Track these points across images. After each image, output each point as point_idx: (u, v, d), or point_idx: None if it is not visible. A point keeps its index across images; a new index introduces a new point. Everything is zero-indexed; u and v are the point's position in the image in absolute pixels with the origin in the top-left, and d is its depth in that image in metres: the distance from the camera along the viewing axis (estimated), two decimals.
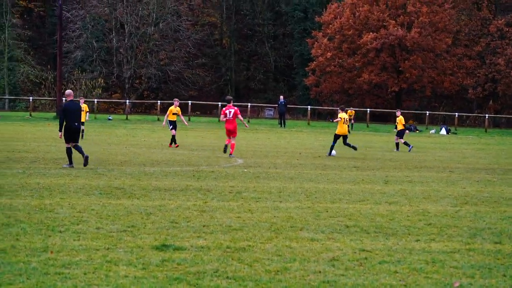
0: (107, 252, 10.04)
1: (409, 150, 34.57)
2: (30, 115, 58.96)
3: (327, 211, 14.34)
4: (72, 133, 21.42)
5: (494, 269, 9.95)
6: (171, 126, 32.76)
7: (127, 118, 61.56)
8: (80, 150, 21.42)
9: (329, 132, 47.18)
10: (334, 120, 36.47)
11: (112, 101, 75.76)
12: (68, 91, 22.26)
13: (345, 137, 30.06)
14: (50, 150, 27.63)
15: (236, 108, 28.29)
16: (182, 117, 34.19)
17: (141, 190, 16.70)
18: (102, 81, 74.07)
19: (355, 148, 30.25)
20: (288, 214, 13.88)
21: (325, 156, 29.62)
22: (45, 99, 71.24)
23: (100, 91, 73.72)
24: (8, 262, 9.23)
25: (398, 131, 35.43)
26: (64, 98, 29.61)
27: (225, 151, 27.89)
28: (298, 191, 17.46)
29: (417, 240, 11.69)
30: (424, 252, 10.82)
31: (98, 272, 8.93)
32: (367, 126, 62.97)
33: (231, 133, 28.11)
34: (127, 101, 68.66)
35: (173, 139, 32.40)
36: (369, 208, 14.97)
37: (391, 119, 69.75)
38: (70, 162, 21.45)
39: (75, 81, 73.52)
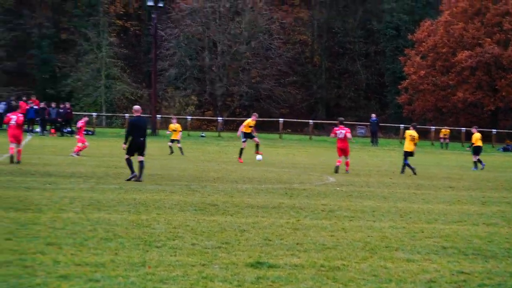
0: (202, 268, 10.14)
1: (482, 168, 34.27)
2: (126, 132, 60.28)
3: (422, 232, 14.09)
4: (136, 146, 22.27)
5: None
6: (244, 139, 33.14)
7: (219, 135, 62.22)
8: (140, 167, 22.09)
9: (423, 151, 46.46)
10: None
11: (204, 119, 76.79)
12: (136, 107, 23.20)
13: (408, 154, 29.71)
14: (146, 166, 28.11)
15: (347, 128, 29.34)
16: (255, 133, 34.47)
17: (234, 207, 16.82)
18: (195, 98, 75.17)
19: (413, 171, 29.53)
20: (383, 233, 13.72)
21: (403, 175, 29.17)
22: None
23: (193, 109, 74.82)
24: (107, 276, 9.44)
25: (474, 147, 34.73)
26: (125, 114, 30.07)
27: (336, 171, 28.50)
28: (392, 211, 17.24)
29: None
30: None
31: None
32: (462, 146, 61.65)
33: (343, 152, 29.16)
34: (220, 118, 69.44)
35: (241, 152, 32.87)
36: (466, 230, 14.63)
37: (487, 138, 68.09)
38: (132, 172, 22.10)
39: (169, 99, 74.91)
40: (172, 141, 37.47)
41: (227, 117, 75.31)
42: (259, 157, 33.56)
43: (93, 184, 20.53)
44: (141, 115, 23.40)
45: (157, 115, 62.01)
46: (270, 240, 12.51)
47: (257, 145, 33.74)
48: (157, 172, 25.73)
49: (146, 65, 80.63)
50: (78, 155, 32.05)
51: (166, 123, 70.54)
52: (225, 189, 20.85)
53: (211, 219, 14.65)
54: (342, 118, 30.94)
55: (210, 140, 56.67)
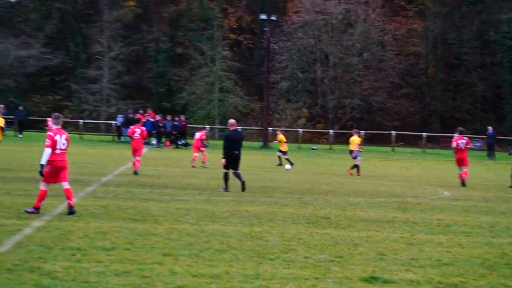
0: (316, 282, 10.13)
1: None
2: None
3: None
4: (231, 160, 22.68)
5: None
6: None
7: (330, 148, 62.05)
8: (238, 176, 22.68)
9: None
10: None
11: (315, 131, 76.78)
12: (231, 121, 23.71)
13: None
14: (258, 178, 28.42)
15: (467, 138, 29.45)
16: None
17: (347, 220, 16.73)
18: (306, 111, 75.30)
19: None
20: (502, 250, 13.31)
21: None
22: (251, 129, 73.55)
23: (304, 121, 74.94)
24: (222, 287, 9.57)
25: None
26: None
27: (463, 184, 28.47)
28: (511, 227, 16.69)
29: None
30: None
31: None
32: None
33: (462, 162, 29.36)
34: (331, 131, 69.27)
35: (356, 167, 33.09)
36: None
37: None
38: (226, 187, 22.55)
39: (280, 111, 75.33)
40: (283, 152, 37.21)
41: (338, 129, 74.99)
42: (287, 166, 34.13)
43: (207, 196, 20.88)
44: (237, 128, 23.94)
45: (269, 128, 62.46)
46: (384, 255, 12.37)
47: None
48: (269, 184, 25.92)
49: (258, 78, 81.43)
50: (204, 166, 33.13)
51: (275, 136, 71.08)
52: (337, 202, 20.76)
53: (323, 232, 14.62)
54: (462, 128, 30.85)
55: (321, 152, 56.61)
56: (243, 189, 22.43)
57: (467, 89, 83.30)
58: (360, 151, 34.09)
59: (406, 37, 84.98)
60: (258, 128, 70.09)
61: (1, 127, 30.24)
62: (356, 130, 36.38)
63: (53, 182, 15.69)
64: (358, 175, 32.74)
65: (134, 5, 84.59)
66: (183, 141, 55.31)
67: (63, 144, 15.64)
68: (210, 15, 78.76)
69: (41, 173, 15.43)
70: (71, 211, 15.45)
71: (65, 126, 71.98)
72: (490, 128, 58.33)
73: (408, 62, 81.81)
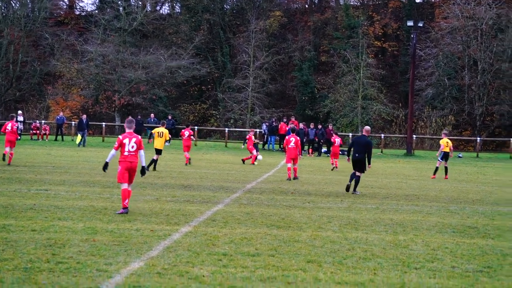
0: None
1: None
2: (381, 151, 60.47)
3: None
4: (354, 162, 24.35)
5: None
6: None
7: (477, 156, 60.21)
8: (356, 181, 24.25)
9: None
10: None
11: (462, 139, 74.73)
12: (366, 127, 25.26)
13: None
14: (401, 186, 28.05)
15: None
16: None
17: (496, 230, 16.22)
18: (452, 118, 73.48)
19: None
20: None
21: None
22: (395, 136, 72.61)
23: (450, 128, 73.11)
24: None
25: None
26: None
27: None
28: None
29: None
30: None
31: None
32: None
33: None
34: (478, 138, 67.21)
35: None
36: None
37: None
38: (350, 186, 24.38)
39: (425, 119, 73.90)
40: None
41: (486, 137, 72.66)
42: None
43: (350, 203, 20.84)
44: (366, 134, 24.73)
45: (413, 135, 61.44)
46: None
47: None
48: (413, 192, 25.52)
49: (403, 85, 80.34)
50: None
51: (422, 143, 69.80)
52: (485, 211, 20.16)
53: (471, 242, 14.26)
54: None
55: (467, 160, 55.02)
56: (347, 189, 24.23)
57: None
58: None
59: None
60: (402, 135, 69.07)
61: (166, 139, 32.12)
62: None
63: (127, 182, 16.49)
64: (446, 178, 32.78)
65: (280, 15, 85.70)
66: (325, 149, 55.42)
67: (132, 147, 16.38)
68: (356, 23, 78.52)
69: (104, 169, 16.80)
70: (124, 211, 16.46)
71: (211, 134, 74.10)
72: None
73: None
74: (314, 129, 54.79)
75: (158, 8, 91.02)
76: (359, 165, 24.27)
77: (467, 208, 20.68)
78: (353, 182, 24.41)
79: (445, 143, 33.95)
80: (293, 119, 58.96)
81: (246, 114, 74.90)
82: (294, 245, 13.04)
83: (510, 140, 63.76)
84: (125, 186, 16.52)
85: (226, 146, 61.05)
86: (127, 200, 16.53)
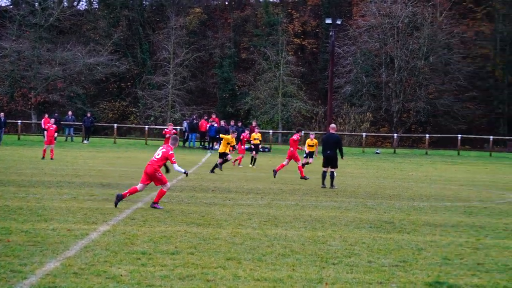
0: (380, 287, 10.09)
1: None
2: (303, 148, 60.92)
3: None
4: (325, 160, 25.75)
5: None
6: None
7: (394, 152, 61.48)
8: (331, 177, 25.58)
9: None
10: None
11: (379, 135, 76.18)
12: (331, 125, 26.73)
13: None
14: (320, 182, 28.33)
15: None
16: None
17: (411, 224, 16.58)
18: (370, 115, 74.80)
19: None
20: None
21: None
22: (315, 133, 73.41)
23: (368, 125, 74.42)
24: None
25: None
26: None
27: None
28: None
29: None
30: None
31: None
32: None
33: None
34: (395, 134, 68.62)
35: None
36: None
37: None
38: (322, 183, 25.77)
39: (344, 116, 74.99)
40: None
41: (403, 133, 74.25)
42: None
43: (270, 200, 20.95)
44: (333, 132, 26.12)
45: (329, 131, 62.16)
46: (449, 260, 12.23)
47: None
48: (332, 188, 25.82)
49: (322, 82, 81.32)
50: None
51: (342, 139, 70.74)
52: (402, 206, 20.59)
53: (387, 237, 14.52)
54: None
55: (385, 156, 56.12)
56: (328, 186, 25.70)
57: None
58: None
59: (474, 40, 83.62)
60: (321, 132, 69.92)
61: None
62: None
63: (144, 183, 17.99)
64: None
65: (200, 12, 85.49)
66: (247, 146, 55.56)
67: (158, 155, 18.04)
68: (275, 21, 79.01)
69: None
70: (152, 205, 18.00)
71: (131, 132, 73.26)
72: None
73: (475, 64, 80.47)
74: (235, 126, 54.82)
75: (75, 3, 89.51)
76: (332, 162, 25.65)
77: (384, 204, 21.06)
78: (328, 178, 25.74)
79: (311, 143, 34.91)
80: (214, 116, 58.92)
81: (167, 112, 74.44)
82: (214, 243, 13.02)
83: (426, 136, 65.31)
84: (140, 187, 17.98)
85: (146, 143, 60.56)
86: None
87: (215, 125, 54.95)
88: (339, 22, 61.88)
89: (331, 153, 25.61)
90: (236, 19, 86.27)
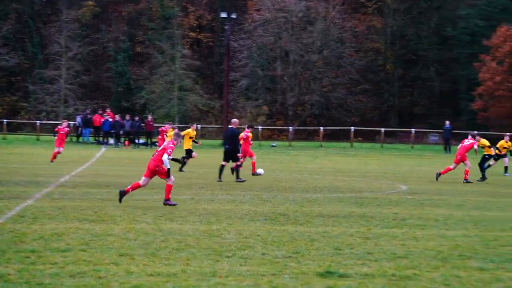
0: (272, 278, 10.19)
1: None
2: (197, 142, 60.86)
3: (496, 240, 13.85)
4: (225, 153, 26.16)
5: None
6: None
7: (290, 145, 62.27)
8: (236, 170, 26.09)
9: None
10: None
11: (275, 128, 76.99)
12: (232, 120, 27.50)
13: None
14: (216, 176, 28.39)
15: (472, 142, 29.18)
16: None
17: (305, 216, 16.83)
18: (266, 108, 75.47)
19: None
20: (455, 242, 13.52)
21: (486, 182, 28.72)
22: (212, 127, 73.50)
23: (264, 119, 75.10)
24: (179, 286, 9.57)
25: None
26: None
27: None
28: (465, 219, 16.97)
29: None
30: None
31: None
32: None
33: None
34: (290, 127, 69.51)
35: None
36: None
37: None
38: (219, 177, 25.90)
39: (240, 109, 75.39)
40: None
41: (298, 126, 75.29)
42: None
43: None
44: (233, 126, 26.73)
45: (229, 126, 62.36)
46: (340, 250, 12.48)
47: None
48: (228, 181, 25.93)
49: (218, 76, 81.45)
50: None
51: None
52: (296, 198, 20.88)
53: (281, 229, 14.70)
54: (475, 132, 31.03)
55: (280, 149, 56.78)
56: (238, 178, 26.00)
57: (424, 84, 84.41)
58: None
59: (366, 34, 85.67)
60: (218, 126, 70.05)
61: None
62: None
63: (147, 176, 18.31)
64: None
65: (92, 4, 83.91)
66: (142, 141, 55.17)
67: (156, 151, 18.46)
68: (170, 14, 78.48)
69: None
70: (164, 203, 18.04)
71: (21, 127, 71.07)
72: (447, 122, 58.97)
73: (367, 58, 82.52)
74: (130, 121, 54.22)
75: None
76: (231, 155, 25.97)
77: (278, 196, 21.30)
78: (234, 173, 26.25)
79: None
80: (108, 110, 58.07)
81: (59, 106, 72.81)
82: (106, 239, 12.83)
83: (320, 129, 66.44)
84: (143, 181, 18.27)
85: (38, 139, 59.08)
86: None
87: (110, 119, 54.17)
88: (234, 16, 62.10)
89: (229, 147, 25.99)
90: (131, 12, 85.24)
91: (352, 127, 65.65)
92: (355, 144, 63.34)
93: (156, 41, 76.89)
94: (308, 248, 12.52)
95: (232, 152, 25.97)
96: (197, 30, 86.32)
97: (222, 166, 26.12)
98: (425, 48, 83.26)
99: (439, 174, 28.59)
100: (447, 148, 57.41)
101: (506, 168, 33.63)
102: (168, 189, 18.02)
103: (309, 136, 76.93)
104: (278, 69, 77.71)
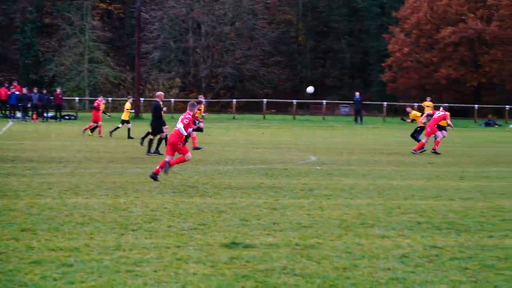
0: (177, 250, 10.18)
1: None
2: (110, 116, 60.09)
3: (399, 208, 14.21)
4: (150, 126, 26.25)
5: None
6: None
7: (203, 117, 62.00)
8: (149, 146, 25.95)
9: (405, 128, 46.48)
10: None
11: (189, 101, 76.59)
12: (157, 93, 27.29)
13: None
14: (128, 150, 28.17)
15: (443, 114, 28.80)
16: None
17: (214, 188, 16.86)
18: (179, 80, 75.07)
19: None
20: (359, 211, 13.81)
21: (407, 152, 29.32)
22: (124, 100, 72.63)
23: (177, 91, 74.68)
24: (81, 260, 9.45)
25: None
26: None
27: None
28: (370, 188, 17.33)
29: (490, 236, 11.48)
30: (497, 248, 10.62)
31: (167, 270, 9.07)
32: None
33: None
34: (203, 100, 69.26)
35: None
36: (442, 205, 14.76)
37: (470, 114, 68.40)
38: (149, 150, 25.82)
39: (152, 81, 74.74)
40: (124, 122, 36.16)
41: (211, 98, 75.20)
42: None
43: (73, 168, 20.50)
44: (157, 100, 26.43)
45: (141, 98, 61.82)
46: (247, 221, 12.57)
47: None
48: (138, 155, 25.72)
49: (130, 48, 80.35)
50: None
51: (149, 106, 70.48)
52: (206, 170, 20.88)
53: (189, 201, 14.69)
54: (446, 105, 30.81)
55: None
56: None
57: (335, 56, 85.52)
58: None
59: (278, 6, 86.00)
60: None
61: None
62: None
63: (170, 154, 18.07)
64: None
65: None
66: (50, 114, 54.09)
67: (178, 124, 17.92)
68: None
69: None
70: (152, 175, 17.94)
71: None
72: (357, 93, 59.92)
73: (279, 30, 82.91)
74: (38, 94, 52.93)
75: None
76: (154, 129, 25.80)
77: (189, 169, 21.23)
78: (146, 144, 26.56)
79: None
80: (15, 83, 56.57)
81: None
82: (9, 214, 12.55)
83: (233, 101, 66.54)
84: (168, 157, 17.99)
85: None
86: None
87: (17, 92, 52.79)
88: None
89: (152, 120, 26.07)
90: None
91: (265, 99, 65.99)
92: (268, 116, 63.72)
93: (64, 12, 75.16)
94: (215, 220, 12.57)
95: (154, 126, 25.79)
96: (107, 1, 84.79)
97: (151, 140, 26.06)
98: (336, 20, 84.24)
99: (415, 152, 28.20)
100: (357, 119, 58.42)
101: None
102: (177, 160, 18.14)
103: (223, 108, 76.95)
104: (190, 41, 77.24)
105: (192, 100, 19.80)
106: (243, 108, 70.29)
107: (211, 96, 76.10)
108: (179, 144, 17.94)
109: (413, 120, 30.47)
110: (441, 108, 29.70)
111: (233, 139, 37.53)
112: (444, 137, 29.29)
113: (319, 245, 10.70)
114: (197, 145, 29.27)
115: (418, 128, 29.61)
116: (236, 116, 62.89)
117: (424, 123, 29.16)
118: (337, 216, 13.14)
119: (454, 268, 9.39)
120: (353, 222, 12.55)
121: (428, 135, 28.42)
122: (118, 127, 35.75)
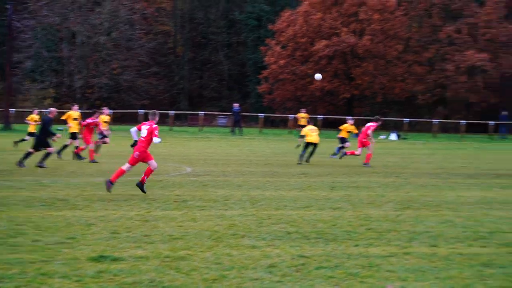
0: (43, 265, 9.92)
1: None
2: None
3: (270, 218, 14.38)
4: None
5: (427, 271, 10.10)
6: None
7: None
8: (44, 158, 25.46)
9: (281, 139, 47.39)
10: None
11: (64, 111, 74.90)
12: (50, 108, 27.07)
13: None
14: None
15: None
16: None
17: (85, 200, 16.54)
18: (52, 91, 73.30)
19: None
20: (232, 221, 13.89)
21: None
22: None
23: (51, 101, 72.87)
24: None
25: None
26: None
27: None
28: (243, 199, 17.46)
29: (356, 245, 11.80)
30: (361, 256, 10.93)
31: (30, 285, 8.83)
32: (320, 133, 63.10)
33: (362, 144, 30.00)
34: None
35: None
36: (312, 214, 15.06)
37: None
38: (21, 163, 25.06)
39: (25, 92, 72.63)
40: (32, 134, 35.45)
41: (87, 109, 73.78)
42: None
43: None
44: (49, 116, 25.87)
45: (11, 109, 59.93)
46: (117, 233, 12.39)
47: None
48: (7, 167, 24.89)
49: (1, 58, 77.83)
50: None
51: (20, 117, 68.46)
52: (79, 183, 20.45)
53: (58, 214, 14.33)
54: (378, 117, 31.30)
55: (66, 133, 55.25)
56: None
57: (214, 67, 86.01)
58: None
59: (156, 16, 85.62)
60: (1, 110, 66.99)
61: None
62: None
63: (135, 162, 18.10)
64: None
65: None
66: None
67: (143, 134, 18.04)
68: None
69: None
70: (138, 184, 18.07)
71: None
72: (236, 105, 60.41)
73: (157, 41, 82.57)
74: None
75: None
76: (39, 143, 25.21)
77: (60, 181, 20.74)
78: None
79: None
80: None
81: None
82: None
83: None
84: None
85: None
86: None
87: None
88: None
89: (39, 134, 25.62)
90: None
91: (141, 110, 65.39)
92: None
93: None
94: (84, 233, 12.32)
95: (38, 140, 25.42)
96: None
97: (29, 153, 25.46)
98: (214, 32, 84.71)
99: (344, 154, 30.12)
100: (234, 130, 58.82)
101: (340, 148, 33.53)
102: (148, 172, 18.03)
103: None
104: (64, 50, 75.66)
105: (153, 110, 19.37)
106: (119, 119, 69.34)
107: (87, 107, 74.70)
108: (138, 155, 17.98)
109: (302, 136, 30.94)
110: (373, 121, 30.84)
111: (108, 150, 36.92)
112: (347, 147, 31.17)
113: (189, 256, 10.69)
114: (94, 159, 28.81)
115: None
116: (113, 127, 61.92)
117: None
118: (209, 227, 13.17)
119: (320, 277, 9.59)
120: (224, 233, 12.61)
121: (361, 146, 29.67)
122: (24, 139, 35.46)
